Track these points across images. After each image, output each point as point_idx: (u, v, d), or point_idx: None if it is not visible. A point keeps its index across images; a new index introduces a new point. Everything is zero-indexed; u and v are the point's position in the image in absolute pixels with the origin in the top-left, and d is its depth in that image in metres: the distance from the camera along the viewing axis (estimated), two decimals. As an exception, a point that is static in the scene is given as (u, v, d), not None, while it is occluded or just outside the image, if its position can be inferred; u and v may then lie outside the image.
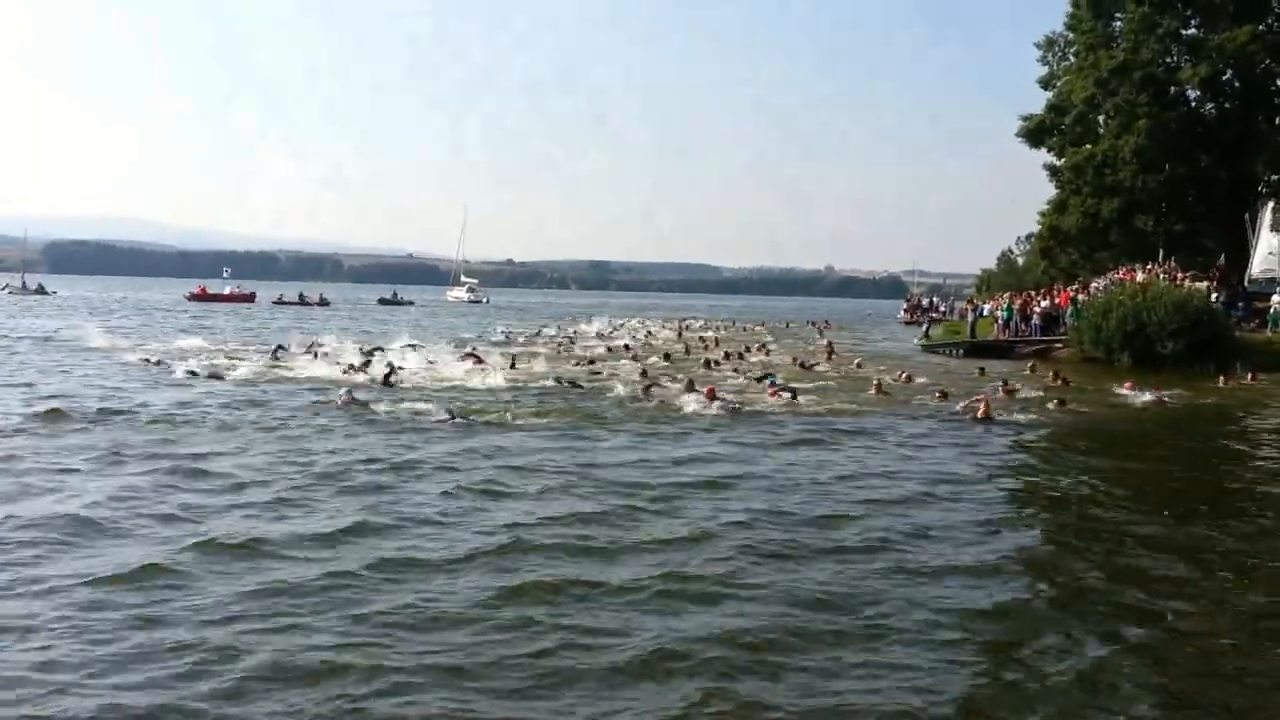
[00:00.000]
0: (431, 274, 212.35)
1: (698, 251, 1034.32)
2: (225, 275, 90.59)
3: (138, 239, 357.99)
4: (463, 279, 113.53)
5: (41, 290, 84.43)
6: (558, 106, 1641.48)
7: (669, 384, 21.96)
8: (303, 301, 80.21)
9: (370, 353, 27.34)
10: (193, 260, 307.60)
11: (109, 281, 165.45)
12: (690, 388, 20.30)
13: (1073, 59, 41.53)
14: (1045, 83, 42.96)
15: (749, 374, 25.41)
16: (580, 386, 21.62)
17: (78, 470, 11.73)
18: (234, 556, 8.45)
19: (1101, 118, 40.00)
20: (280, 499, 10.51)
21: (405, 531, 9.42)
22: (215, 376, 21.96)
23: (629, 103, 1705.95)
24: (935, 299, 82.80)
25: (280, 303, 78.32)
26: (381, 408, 17.40)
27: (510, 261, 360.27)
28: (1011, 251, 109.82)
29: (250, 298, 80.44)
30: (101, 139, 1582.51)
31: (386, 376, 21.65)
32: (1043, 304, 39.23)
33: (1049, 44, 43.06)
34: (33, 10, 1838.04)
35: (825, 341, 40.57)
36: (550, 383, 22.09)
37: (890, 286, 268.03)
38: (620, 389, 20.85)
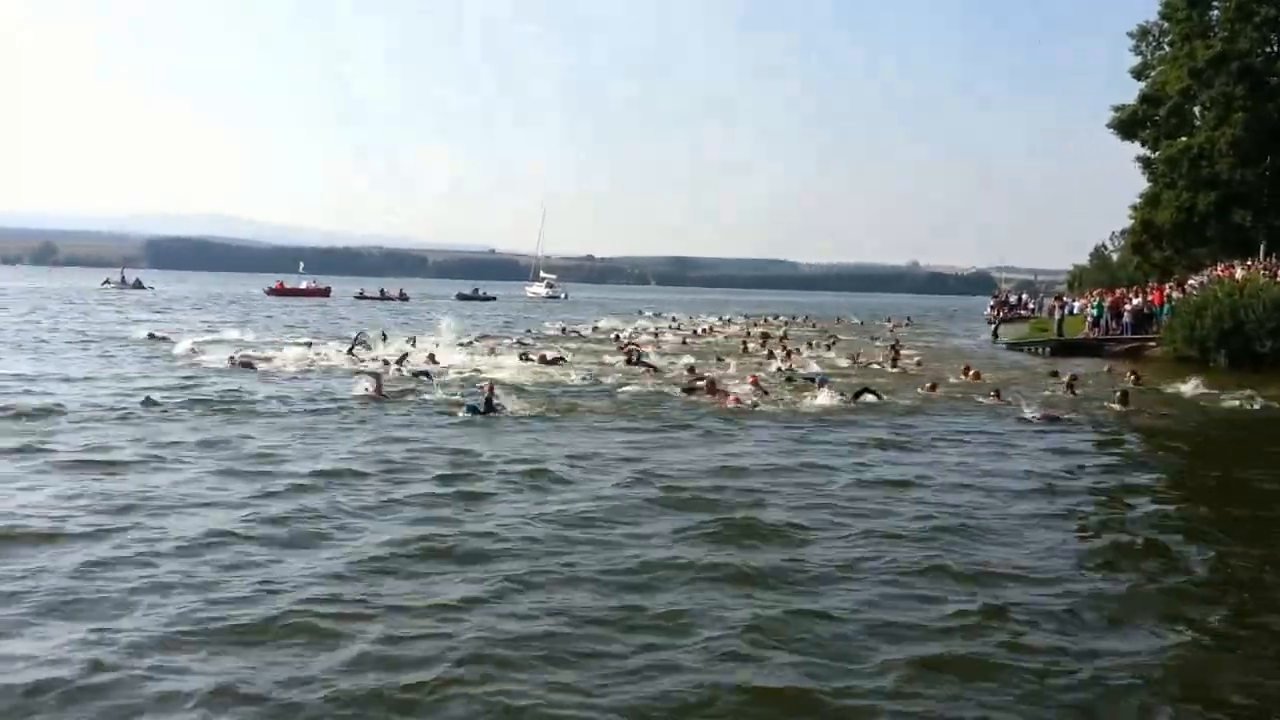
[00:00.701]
0: (513, 269, 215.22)
1: (778, 248, 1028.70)
2: (300, 271, 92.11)
3: (234, 236, 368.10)
4: (542, 274, 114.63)
5: (139, 285, 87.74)
6: (637, 103, 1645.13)
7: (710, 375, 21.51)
8: (383, 296, 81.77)
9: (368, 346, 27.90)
10: (286, 256, 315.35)
11: (204, 277, 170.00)
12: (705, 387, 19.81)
13: (1167, 49, 40.37)
14: (1138, 73, 41.86)
15: (796, 370, 25.00)
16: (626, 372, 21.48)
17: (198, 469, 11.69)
18: (347, 569, 8.04)
19: (1197, 109, 38.83)
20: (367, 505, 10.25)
21: (520, 548, 8.78)
22: (248, 365, 22.63)
23: (708, 99, 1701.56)
24: (1024, 295, 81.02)
25: (362, 297, 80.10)
26: (431, 396, 18.07)
27: (591, 257, 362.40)
28: (1105, 247, 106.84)
29: (325, 292, 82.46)
30: (201, 140, 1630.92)
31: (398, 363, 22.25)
32: (1135, 301, 38.13)
33: (1143, 33, 41.92)
34: (137, 14, 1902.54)
35: (894, 339, 39.90)
36: (576, 379, 22.07)
37: (978, 282, 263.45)
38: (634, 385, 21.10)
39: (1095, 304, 40.00)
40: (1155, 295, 37.77)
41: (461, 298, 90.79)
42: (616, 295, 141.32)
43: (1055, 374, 25.52)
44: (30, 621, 6.74)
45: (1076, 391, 21.49)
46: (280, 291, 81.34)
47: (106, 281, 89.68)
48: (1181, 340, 31.77)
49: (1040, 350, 37.12)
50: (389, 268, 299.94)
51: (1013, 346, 39.84)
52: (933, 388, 21.17)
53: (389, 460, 12.39)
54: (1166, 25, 40.17)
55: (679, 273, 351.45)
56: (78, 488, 10.42)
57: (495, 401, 16.45)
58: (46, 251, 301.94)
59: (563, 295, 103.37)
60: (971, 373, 24.50)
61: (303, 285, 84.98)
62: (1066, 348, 36.38)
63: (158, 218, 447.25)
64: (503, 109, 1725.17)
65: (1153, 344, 34.54)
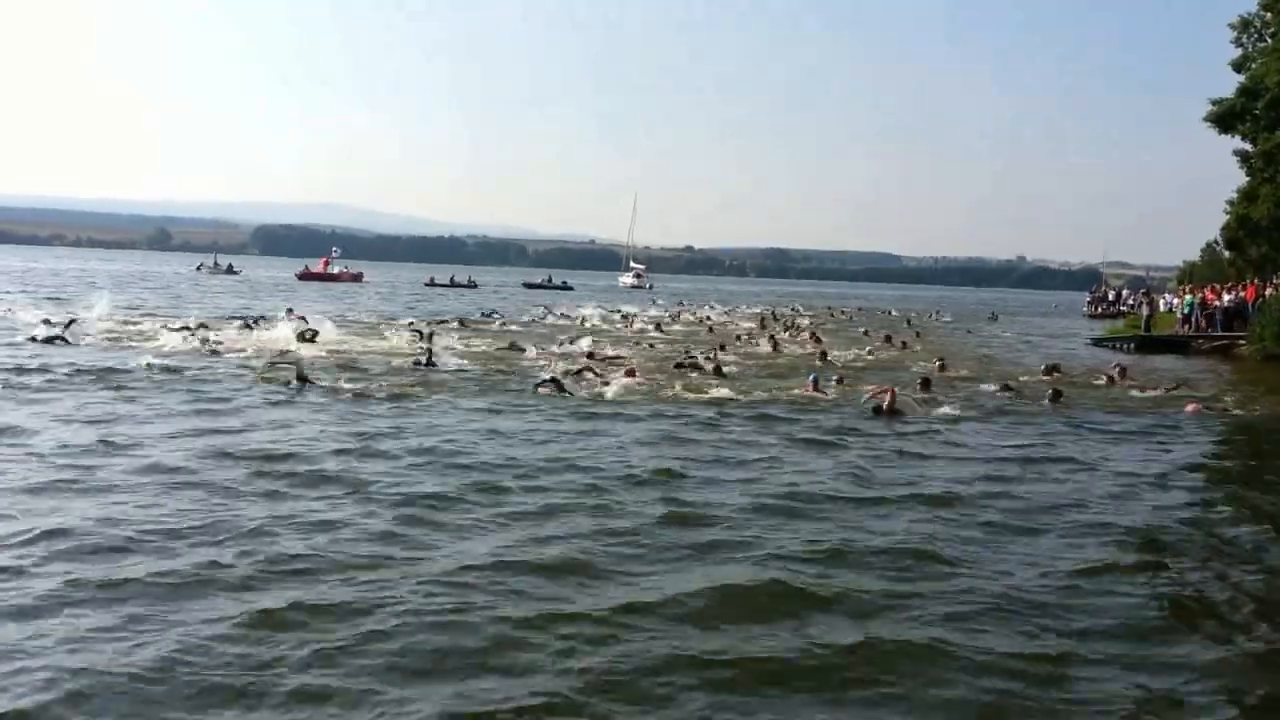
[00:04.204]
0: (612, 259, 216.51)
1: (881, 240, 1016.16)
2: (335, 255, 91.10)
3: (341, 224, 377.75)
4: (631, 265, 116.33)
5: (230, 270, 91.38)
6: (740, 99, 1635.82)
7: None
8: (453, 284, 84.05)
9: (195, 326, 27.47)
10: (389, 244, 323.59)
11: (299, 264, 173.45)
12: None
13: (1269, 40, 39.26)
14: (1239, 66, 40.73)
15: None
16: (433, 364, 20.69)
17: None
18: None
19: (1298, 102, 37.70)
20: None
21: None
22: (52, 340, 22.52)
23: (813, 93, 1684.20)
24: (1124, 291, 79.21)
25: (432, 284, 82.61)
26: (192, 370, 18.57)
27: (689, 248, 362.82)
28: (1216, 243, 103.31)
29: (358, 278, 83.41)
30: (310, 130, 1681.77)
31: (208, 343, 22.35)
32: (1226, 298, 37.42)
33: (1244, 25, 40.76)
34: (251, 11, 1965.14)
35: (912, 333, 39.63)
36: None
37: (1085, 277, 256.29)
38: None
39: (1187, 300, 39.38)
40: (1248, 292, 37.04)
41: (529, 286, 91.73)
42: (703, 285, 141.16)
43: (1054, 369, 24.33)
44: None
45: (1005, 390, 20.16)
46: (310, 276, 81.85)
47: (200, 266, 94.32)
48: (1270, 338, 31.17)
49: (1125, 347, 36.72)
50: (490, 257, 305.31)
51: (1099, 343, 39.47)
52: (835, 384, 19.95)
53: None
54: (1269, 17, 39.03)
55: (779, 265, 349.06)
56: None
57: (306, 375, 17.23)
58: (162, 238, 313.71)
59: (648, 285, 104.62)
60: (938, 364, 24.21)
61: (335, 271, 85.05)
62: (1152, 344, 35.95)
63: (270, 206, 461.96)
64: (604, 102, 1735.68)
65: (1242, 342, 33.95)
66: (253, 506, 9.22)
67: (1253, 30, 40.69)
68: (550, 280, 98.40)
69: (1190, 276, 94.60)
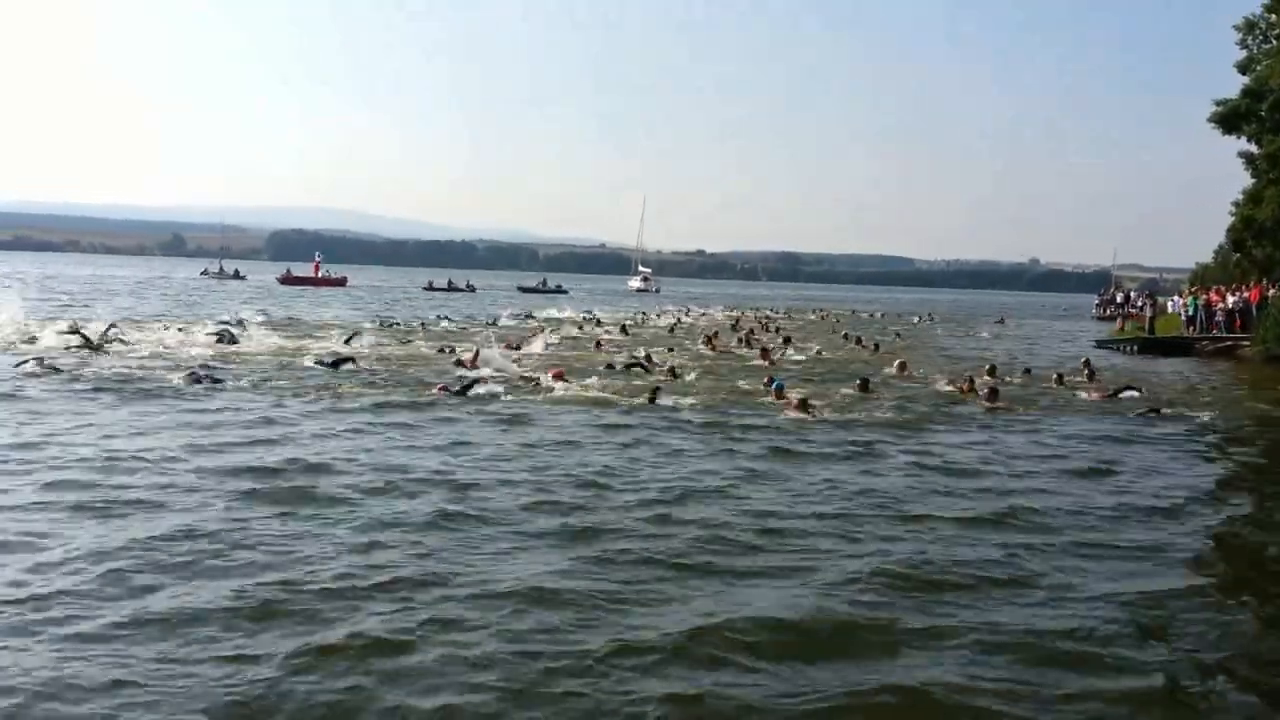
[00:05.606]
0: (622, 263, 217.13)
1: (892, 243, 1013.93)
2: (318, 258, 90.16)
3: (352, 229, 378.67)
4: (639, 268, 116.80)
5: (237, 275, 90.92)
6: (740, 99, 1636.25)
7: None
8: (450, 288, 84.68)
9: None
10: (399, 249, 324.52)
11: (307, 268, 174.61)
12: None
13: (1274, 42, 39.23)
14: (1244, 67, 40.68)
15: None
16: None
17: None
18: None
19: (1303, 104, 37.60)
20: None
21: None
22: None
23: (813, 93, 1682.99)
24: (1131, 293, 79.07)
25: (430, 288, 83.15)
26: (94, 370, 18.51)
27: (701, 252, 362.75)
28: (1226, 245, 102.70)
29: (341, 282, 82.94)
30: (311, 131, 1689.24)
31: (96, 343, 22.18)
32: (1230, 299, 37.35)
33: (1249, 26, 40.72)
34: (251, 11, 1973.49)
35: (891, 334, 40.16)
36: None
37: (1098, 280, 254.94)
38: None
39: (1190, 302, 39.34)
40: (1253, 293, 36.95)
41: (524, 290, 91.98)
42: (713, 289, 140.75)
43: (993, 370, 23.35)
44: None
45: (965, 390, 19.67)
46: (292, 280, 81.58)
47: (204, 271, 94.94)
48: (1273, 339, 31.13)
49: (1128, 349, 36.68)
50: (499, 261, 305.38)
51: (1103, 344, 39.43)
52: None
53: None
54: (1274, 19, 38.99)
55: (790, 268, 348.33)
56: None
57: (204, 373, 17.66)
58: (176, 244, 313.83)
59: (654, 289, 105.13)
60: (897, 364, 24.17)
61: (319, 275, 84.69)
62: (1155, 346, 35.90)
63: (274, 210, 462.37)
64: (604, 102, 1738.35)
65: (1245, 343, 33.87)
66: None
67: (1258, 32, 40.63)
68: (545, 284, 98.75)
69: (1202, 278, 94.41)
